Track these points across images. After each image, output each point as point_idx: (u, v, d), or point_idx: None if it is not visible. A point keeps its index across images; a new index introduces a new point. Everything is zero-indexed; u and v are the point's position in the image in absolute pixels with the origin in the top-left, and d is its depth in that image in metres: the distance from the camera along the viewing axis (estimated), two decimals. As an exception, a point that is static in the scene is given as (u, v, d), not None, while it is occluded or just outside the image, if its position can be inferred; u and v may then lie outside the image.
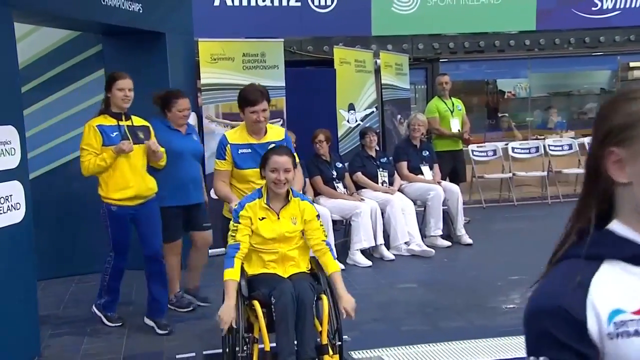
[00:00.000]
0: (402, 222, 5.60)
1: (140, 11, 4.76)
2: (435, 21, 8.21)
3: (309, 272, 3.10)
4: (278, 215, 3.01)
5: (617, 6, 8.43)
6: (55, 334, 3.95)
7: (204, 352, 3.47)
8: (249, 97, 3.40)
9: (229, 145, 3.42)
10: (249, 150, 3.42)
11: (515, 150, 8.45)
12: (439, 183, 6.05)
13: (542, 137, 8.92)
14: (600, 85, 10.77)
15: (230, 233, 2.97)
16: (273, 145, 3.30)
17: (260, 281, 2.98)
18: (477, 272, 4.95)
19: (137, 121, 3.93)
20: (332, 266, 3.02)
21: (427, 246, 5.63)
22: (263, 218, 2.99)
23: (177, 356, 3.49)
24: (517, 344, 3.36)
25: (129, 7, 4.62)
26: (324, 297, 2.95)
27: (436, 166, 6.29)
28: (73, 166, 5.20)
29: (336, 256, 3.07)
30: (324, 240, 3.04)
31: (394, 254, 5.50)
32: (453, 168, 6.75)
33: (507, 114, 10.32)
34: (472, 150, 8.26)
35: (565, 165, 8.40)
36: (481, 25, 8.37)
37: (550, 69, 9.69)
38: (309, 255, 3.14)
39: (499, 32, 8.56)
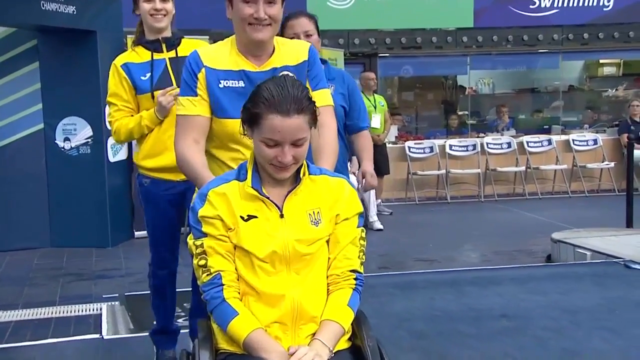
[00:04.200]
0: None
1: (74, 13, 7.00)
2: (372, 16, 10.55)
3: (348, 346, 2.18)
4: (281, 210, 2.11)
5: (555, 5, 10.89)
6: (-1, 285, 6.12)
7: (125, 293, 5.64)
8: None
9: (204, 69, 2.48)
10: (241, 84, 2.48)
11: (453, 147, 10.82)
12: (353, 173, 8.33)
13: (483, 134, 11.30)
14: (570, 82, 13.30)
15: (195, 261, 2.11)
16: (284, 73, 2.38)
17: None
18: (373, 248, 7.23)
19: (187, 48, 3.20)
20: (339, 313, 2.12)
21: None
22: (250, 217, 2.09)
23: (104, 296, 5.67)
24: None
25: (65, 10, 6.85)
26: None
27: (354, 158, 8.58)
28: (5, 151, 7.38)
29: (358, 303, 2.17)
30: (353, 270, 2.16)
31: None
32: (375, 162, 9.03)
33: (467, 112, 12.71)
34: (409, 147, 10.61)
35: (502, 163, 10.79)
36: (418, 21, 10.76)
37: (490, 66, 12.13)
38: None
39: (436, 29, 10.98)
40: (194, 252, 2.12)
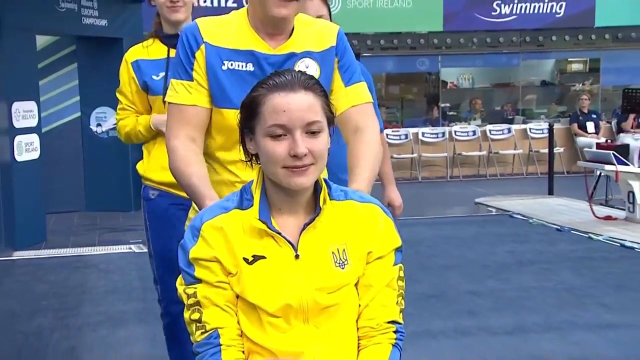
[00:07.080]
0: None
1: (106, 25, 9.11)
2: (355, 21, 12.58)
3: None
4: (296, 248, 1.72)
5: (514, 12, 12.87)
6: (50, 234, 8.23)
7: (146, 239, 7.74)
8: None
9: (204, 45, 2.09)
10: (250, 67, 2.11)
11: (425, 135, 12.85)
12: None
13: (453, 123, 13.35)
14: (542, 77, 15.27)
15: (187, 315, 1.73)
16: (305, 60, 2.13)
17: None
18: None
19: None
20: None
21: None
22: (257, 258, 1.71)
23: (131, 241, 7.77)
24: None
25: (99, 23, 8.97)
26: None
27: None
28: (45, 138, 9.48)
29: None
30: (392, 322, 1.76)
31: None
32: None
33: (448, 104, 14.70)
34: (387, 134, 12.63)
35: (468, 149, 12.80)
36: (395, 25, 12.79)
37: (459, 65, 14.13)
38: None
39: (410, 32, 13.01)
40: (185, 303, 1.72)
